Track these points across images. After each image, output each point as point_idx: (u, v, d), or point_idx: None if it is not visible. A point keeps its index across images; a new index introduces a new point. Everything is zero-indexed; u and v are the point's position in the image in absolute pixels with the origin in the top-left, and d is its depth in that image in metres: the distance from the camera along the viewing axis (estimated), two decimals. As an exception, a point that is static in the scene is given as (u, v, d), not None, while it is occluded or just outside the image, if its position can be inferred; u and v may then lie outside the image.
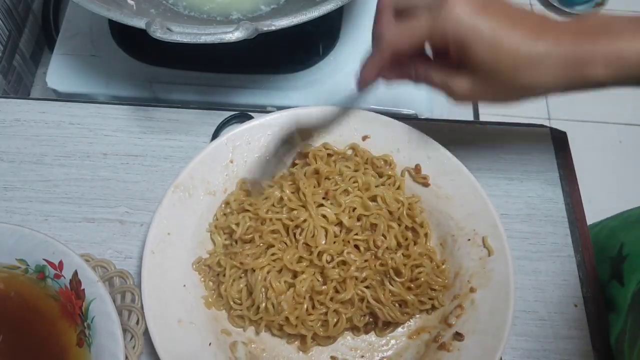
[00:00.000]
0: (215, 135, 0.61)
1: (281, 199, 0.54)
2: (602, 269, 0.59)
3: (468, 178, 0.55)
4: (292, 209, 0.53)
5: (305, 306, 0.50)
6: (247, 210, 0.54)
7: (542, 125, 0.65)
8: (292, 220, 0.52)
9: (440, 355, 0.50)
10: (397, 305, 0.51)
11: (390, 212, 0.54)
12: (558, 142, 0.64)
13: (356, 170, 0.56)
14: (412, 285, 0.52)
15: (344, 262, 0.51)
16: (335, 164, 0.56)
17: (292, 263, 0.51)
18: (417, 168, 0.57)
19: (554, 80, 0.43)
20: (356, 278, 0.51)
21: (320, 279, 0.51)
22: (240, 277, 0.52)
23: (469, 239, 0.54)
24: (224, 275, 0.52)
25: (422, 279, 0.51)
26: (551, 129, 0.65)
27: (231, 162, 0.57)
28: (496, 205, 0.60)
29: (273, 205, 0.54)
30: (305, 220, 0.52)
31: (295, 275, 0.51)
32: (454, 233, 0.55)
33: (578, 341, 0.54)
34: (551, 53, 0.42)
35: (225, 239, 0.55)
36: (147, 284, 0.50)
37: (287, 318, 0.50)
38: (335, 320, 0.50)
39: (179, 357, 0.48)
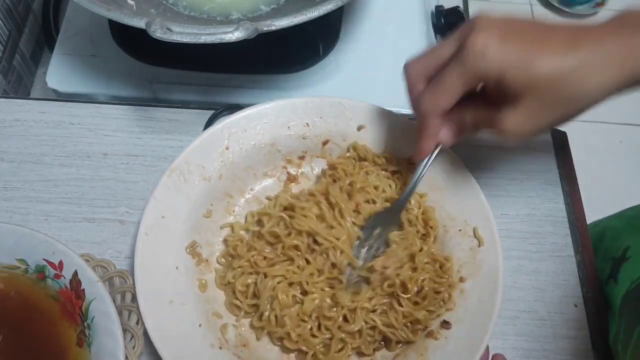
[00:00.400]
0: (207, 128, 0.61)
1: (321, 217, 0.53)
2: (603, 269, 0.59)
3: (461, 169, 0.55)
4: (332, 227, 0.53)
5: (309, 326, 0.50)
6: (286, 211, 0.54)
7: (542, 125, 0.65)
8: (329, 242, 0.52)
9: (428, 342, 0.50)
10: (409, 324, 0.51)
11: (409, 221, 0.54)
12: (558, 142, 0.64)
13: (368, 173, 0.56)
14: (418, 299, 0.51)
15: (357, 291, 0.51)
16: (361, 172, 0.56)
17: (308, 283, 0.51)
18: (412, 159, 0.57)
19: (606, 80, 0.41)
20: (367, 308, 0.50)
21: (330, 301, 0.51)
22: (251, 274, 0.52)
23: (460, 230, 0.54)
24: (237, 261, 0.53)
25: (427, 288, 0.51)
26: (551, 129, 0.65)
27: (227, 148, 0.57)
28: (496, 205, 0.60)
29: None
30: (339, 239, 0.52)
31: (305, 292, 0.51)
32: (445, 223, 0.55)
33: (578, 341, 0.54)
34: (596, 53, 0.40)
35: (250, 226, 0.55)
36: (140, 265, 0.51)
37: (288, 333, 0.50)
38: (339, 347, 0.50)
39: (169, 336, 0.49)
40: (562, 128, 0.65)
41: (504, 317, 0.55)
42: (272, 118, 0.58)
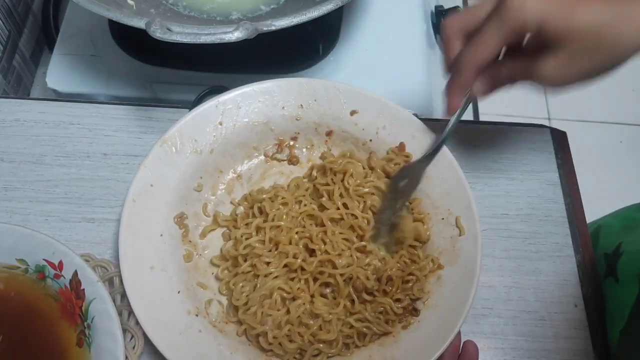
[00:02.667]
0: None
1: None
2: (598, 267, 0.59)
3: (448, 159, 0.56)
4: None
5: (287, 329, 0.50)
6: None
7: (542, 125, 0.65)
8: (310, 240, 0.53)
9: (400, 327, 0.51)
10: (380, 316, 0.51)
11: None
12: (558, 142, 0.64)
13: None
14: (387, 288, 0.52)
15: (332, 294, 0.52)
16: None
17: (299, 289, 0.52)
18: (402, 146, 0.57)
19: None
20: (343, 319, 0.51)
21: (308, 308, 0.51)
22: (250, 281, 0.52)
23: (443, 218, 0.55)
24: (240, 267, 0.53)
25: (394, 277, 0.52)
26: (551, 129, 0.65)
27: (220, 124, 0.58)
28: (496, 205, 0.60)
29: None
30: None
31: (294, 297, 0.52)
32: (429, 211, 0.55)
33: (578, 341, 0.54)
34: (633, 7, 0.42)
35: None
36: (125, 230, 0.52)
37: (265, 333, 0.50)
38: (314, 353, 0.50)
39: (147, 299, 0.50)
40: (562, 128, 0.65)
41: (504, 317, 0.55)
42: (267, 97, 0.59)
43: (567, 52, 0.44)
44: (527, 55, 0.46)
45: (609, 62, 0.44)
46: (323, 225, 0.53)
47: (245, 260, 0.53)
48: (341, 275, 0.51)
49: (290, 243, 0.53)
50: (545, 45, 0.44)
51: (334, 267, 0.51)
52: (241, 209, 0.56)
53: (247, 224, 0.54)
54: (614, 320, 0.54)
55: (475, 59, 0.47)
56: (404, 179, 0.54)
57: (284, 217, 0.54)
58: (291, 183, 0.58)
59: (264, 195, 0.55)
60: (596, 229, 0.66)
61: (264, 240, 0.53)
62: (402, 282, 0.52)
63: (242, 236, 0.53)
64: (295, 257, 0.52)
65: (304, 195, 0.56)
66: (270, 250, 0.53)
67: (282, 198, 0.55)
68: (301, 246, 0.53)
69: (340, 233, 0.53)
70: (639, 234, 0.59)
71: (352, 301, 0.52)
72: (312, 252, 0.53)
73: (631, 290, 0.54)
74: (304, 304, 0.51)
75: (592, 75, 0.45)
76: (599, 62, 0.44)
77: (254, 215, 0.55)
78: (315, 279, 0.52)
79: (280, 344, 0.50)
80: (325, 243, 0.52)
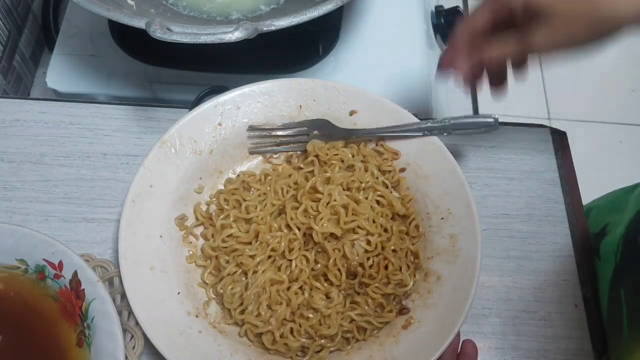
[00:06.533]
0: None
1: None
2: None
3: (447, 159, 0.56)
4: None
5: (290, 327, 0.50)
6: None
7: (542, 125, 0.65)
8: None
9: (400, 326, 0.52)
10: (377, 310, 0.52)
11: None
12: (558, 142, 0.64)
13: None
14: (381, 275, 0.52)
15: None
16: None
17: (291, 261, 0.52)
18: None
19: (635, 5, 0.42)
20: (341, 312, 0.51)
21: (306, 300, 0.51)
22: (239, 281, 0.52)
23: (442, 218, 0.55)
24: (225, 270, 0.52)
25: (391, 265, 0.52)
26: (551, 129, 0.65)
27: (219, 125, 0.58)
28: (496, 205, 0.60)
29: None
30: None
31: (288, 286, 0.51)
32: (428, 211, 0.55)
33: (578, 341, 0.54)
34: None
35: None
36: (125, 230, 0.52)
37: (271, 332, 0.50)
38: (317, 349, 0.51)
39: (147, 300, 0.50)
40: (562, 128, 0.65)
41: (504, 317, 0.55)
42: (266, 98, 0.59)
43: (558, 19, 0.44)
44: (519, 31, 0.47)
45: (603, 30, 0.44)
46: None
47: (228, 262, 0.52)
48: (323, 234, 0.51)
49: (270, 231, 0.53)
50: (536, 18, 0.45)
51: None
52: (213, 207, 0.56)
53: (225, 217, 0.54)
54: (601, 294, 0.55)
55: (464, 27, 0.49)
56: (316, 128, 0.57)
57: (258, 206, 0.54)
58: (266, 176, 0.57)
59: (231, 186, 0.55)
60: (586, 212, 0.67)
61: (245, 230, 0.53)
62: (384, 267, 0.52)
63: (221, 227, 0.53)
64: (278, 243, 0.52)
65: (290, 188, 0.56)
66: (250, 242, 0.53)
67: (257, 189, 0.55)
68: (283, 226, 0.53)
69: (313, 207, 0.53)
70: (622, 214, 0.59)
71: (348, 286, 0.51)
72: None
73: (610, 264, 0.55)
74: (300, 288, 0.51)
75: (586, 43, 0.45)
76: (593, 30, 0.44)
77: (233, 206, 0.55)
78: (307, 259, 0.52)
79: (285, 343, 0.50)
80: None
